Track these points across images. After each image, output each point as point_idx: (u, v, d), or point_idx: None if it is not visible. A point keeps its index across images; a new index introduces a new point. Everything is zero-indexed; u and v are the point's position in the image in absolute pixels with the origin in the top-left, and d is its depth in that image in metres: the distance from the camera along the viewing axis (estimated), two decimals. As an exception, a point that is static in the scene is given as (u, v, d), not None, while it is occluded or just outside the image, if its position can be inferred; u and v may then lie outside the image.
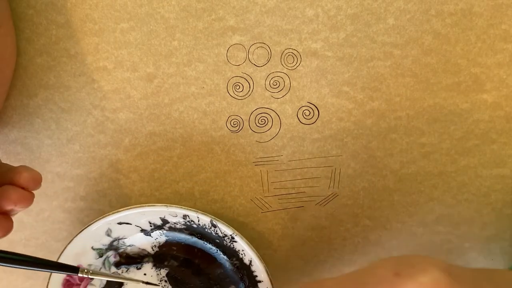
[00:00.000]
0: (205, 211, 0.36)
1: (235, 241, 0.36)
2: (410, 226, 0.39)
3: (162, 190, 0.39)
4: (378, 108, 0.38)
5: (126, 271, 0.39)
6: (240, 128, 0.38)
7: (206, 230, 0.37)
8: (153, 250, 0.38)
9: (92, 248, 0.37)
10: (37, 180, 0.33)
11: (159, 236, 0.38)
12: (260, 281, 0.37)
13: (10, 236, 0.32)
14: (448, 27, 0.36)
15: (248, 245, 0.36)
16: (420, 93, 0.37)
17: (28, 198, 0.32)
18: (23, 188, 0.32)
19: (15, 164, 0.34)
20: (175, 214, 0.36)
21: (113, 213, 0.36)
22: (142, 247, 0.38)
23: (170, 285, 0.39)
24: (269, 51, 0.37)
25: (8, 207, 0.31)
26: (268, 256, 0.39)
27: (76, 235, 0.36)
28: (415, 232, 0.39)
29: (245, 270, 0.37)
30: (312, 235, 0.39)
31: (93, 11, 0.37)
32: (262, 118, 0.38)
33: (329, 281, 0.27)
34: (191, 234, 0.38)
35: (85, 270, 0.32)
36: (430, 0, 0.35)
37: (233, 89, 0.38)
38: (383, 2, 0.36)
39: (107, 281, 0.38)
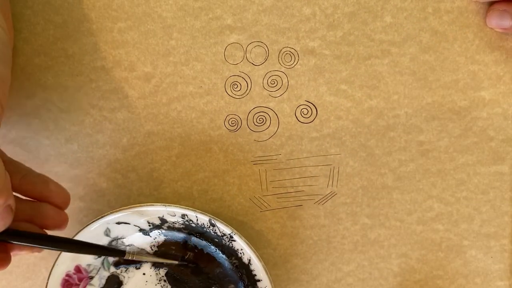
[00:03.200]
0: (203, 211, 0.36)
1: (234, 240, 0.36)
2: (409, 224, 0.39)
3: (161, 190, 0.39)
4: (376, 106, 0.38)
5: (125, 270, 0.39)
6: (238, 127, 0.38)
7: (205, 229, 0.37)
8: (152, 249, 0.38)
9: (91, 248, 0.37)
10: (69, 200, 0.35)
11: (158, 236, 0.38)
12: (259, 280, 0.37)
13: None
14: (445, 24, 0.36)
15: (247, 244, 0.36)
16: (419, 91, 0.37)
17: (67, 220, 0.34)
18: (59, 207, 0.34)
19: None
20: (174, 213, 0.36)
21: (111, 213, 0.36)
22: (141, 246, 0.38)
23: (169, 284, 0.39)
24: (266, 50, 0.37)
25: (52, 228, 0.33)
26: (267, 255, 0.39)
27: (75, 235, 0.36)
28: (414, 230, 0.39)
29: (244, 269, 0.37)
30: (311, 234, 0.39)
31: (90, 11, 0.37)
32: (260, 117, 0.38)
33: None
34: (189, 233, 0.38)
35: (131, 253, 0.36)
36: (427, -3, 0.35)
37: (231, 88, 0.38)
38: (379, 0, 0.36)
39: (106, 280, 0.38)
